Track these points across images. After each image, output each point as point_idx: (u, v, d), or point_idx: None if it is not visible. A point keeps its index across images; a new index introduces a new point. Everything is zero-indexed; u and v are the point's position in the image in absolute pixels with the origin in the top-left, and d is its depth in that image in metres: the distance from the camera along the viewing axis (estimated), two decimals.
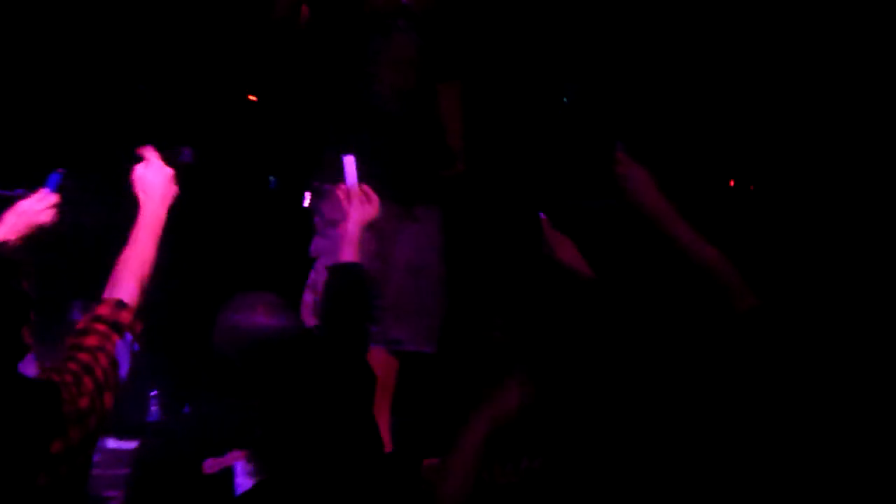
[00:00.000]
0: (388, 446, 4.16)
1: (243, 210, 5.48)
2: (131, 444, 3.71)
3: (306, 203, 4.52)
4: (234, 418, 3.18)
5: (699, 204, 4.75)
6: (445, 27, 4.61)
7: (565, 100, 5.27)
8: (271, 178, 5.43)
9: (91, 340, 2.82)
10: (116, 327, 2.87)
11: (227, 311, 3.33)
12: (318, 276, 4.29)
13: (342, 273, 3.60)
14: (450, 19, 4.63)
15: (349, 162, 3.70)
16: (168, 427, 3.76)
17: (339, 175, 3.80)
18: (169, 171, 3.13)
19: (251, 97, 5.47)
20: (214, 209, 5.39)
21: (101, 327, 2.85)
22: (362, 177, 3.72)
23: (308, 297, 4.33)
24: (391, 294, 4.47)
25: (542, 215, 3.65)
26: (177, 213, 3.14)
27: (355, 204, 3.64)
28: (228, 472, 3.16)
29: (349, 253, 3.61)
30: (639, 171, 3.25)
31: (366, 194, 3.66)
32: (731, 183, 5.12)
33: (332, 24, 4.40)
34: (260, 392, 3.04)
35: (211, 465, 3.17)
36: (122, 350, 2.85)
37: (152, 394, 4.90)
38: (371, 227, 3.90)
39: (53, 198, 3.47)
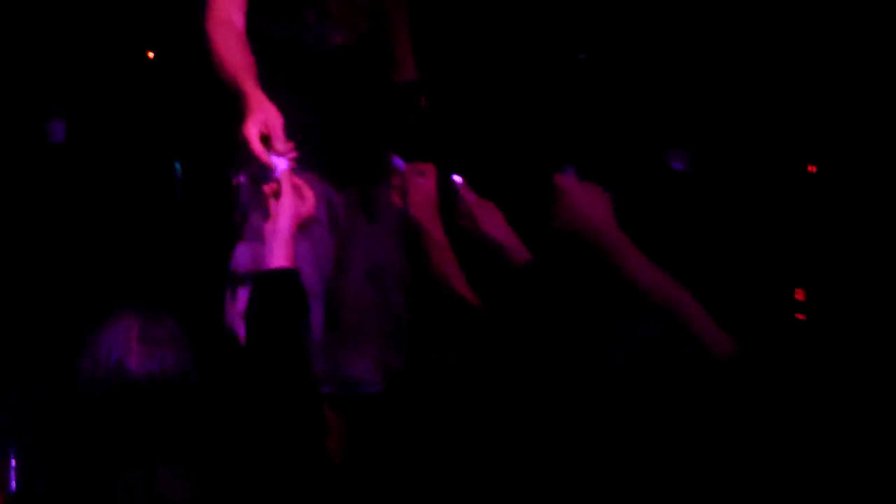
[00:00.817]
0: None
1: (139, 205, 4.82)
2: None
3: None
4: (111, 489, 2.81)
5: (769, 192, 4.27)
6: None
7: (581, 56, 4.58)
8: (177, 163, 4.75)
9: None
10: None
11: (91, 345, 2.89)
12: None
13: (269, 283, 3.19)
14: None
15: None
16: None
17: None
18: None
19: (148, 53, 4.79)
20: (98, 204, 4.75)
21: None
22: (301, 161, 3.34)
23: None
24: (349, 313, 3.81)
25: (457, 178, 3.44)
26: (46, 209, 2.93)
27: (286, 199, 3.28)
28: None
29: (279, 256, 3.20)
30: (586, 193, 3.11)
31: (298, 189, 3.32)
32: (812, 169, 4.40)
33: None
34: (139, 460, 2.77)
35: None
36: None
37: (12, 464, 4.35)
38: (321, 224, 3.61)
39: None
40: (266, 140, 3.33)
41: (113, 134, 4.84)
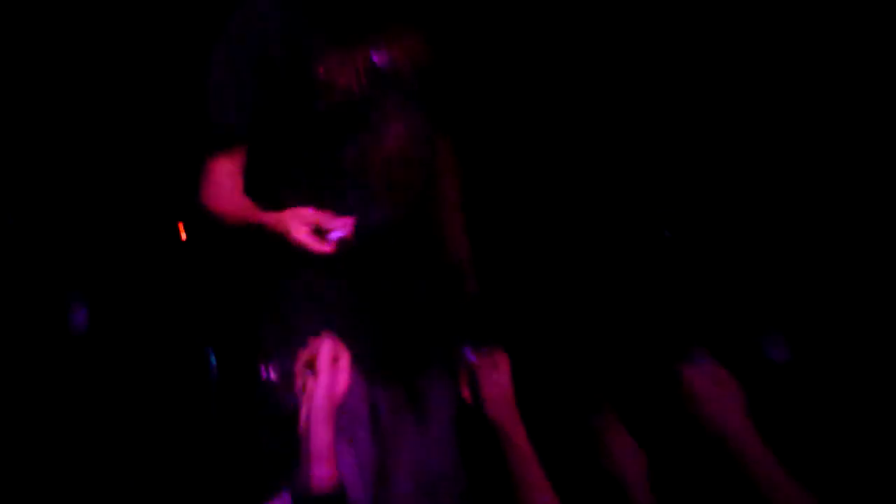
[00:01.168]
0: None
1: (171, 400, 4.57)
2: None
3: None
4: None
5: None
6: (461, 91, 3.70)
7: (667, 233, 4.26)
8: (211, 353, 4.47)
9: None
10: None
11: None
12: None
13: None
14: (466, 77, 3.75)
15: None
16: None
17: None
18: None
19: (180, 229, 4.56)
20: (126, 399, 4.50)
21: None
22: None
23: None
24: None
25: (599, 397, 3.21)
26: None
27: (322, 379, 3.03)
28: None
29: (321, 467, 2.94)
30: (719, 387, 2.80)
31: (337, 363, 3.08)
32: None
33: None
34: None
35: None
36: None
37: None
38: (362, 424, 3.40)
39: None
40: (319, 232, 3.20)
41: (140, 322, 4.61)
